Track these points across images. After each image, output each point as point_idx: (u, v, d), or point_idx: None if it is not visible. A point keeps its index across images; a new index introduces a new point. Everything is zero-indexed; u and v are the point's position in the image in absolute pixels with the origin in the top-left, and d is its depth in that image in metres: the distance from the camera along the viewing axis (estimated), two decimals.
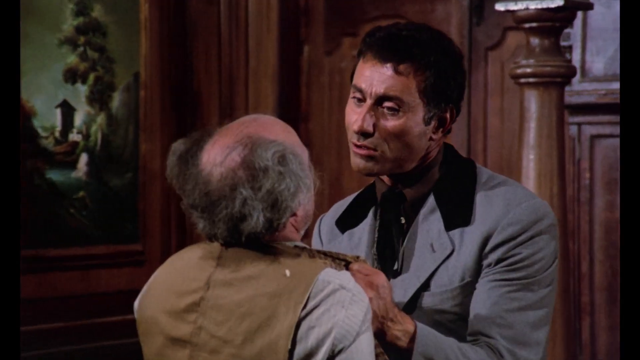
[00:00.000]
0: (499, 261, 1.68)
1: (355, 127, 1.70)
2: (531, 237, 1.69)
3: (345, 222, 1.81)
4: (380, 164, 1.71)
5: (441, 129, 1.73)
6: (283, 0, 4.12)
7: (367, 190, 1.81)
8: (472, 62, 3.99)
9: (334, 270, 1.48)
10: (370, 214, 1.78)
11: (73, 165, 3.95)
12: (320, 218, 1.85)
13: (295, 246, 1.52)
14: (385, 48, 1.69)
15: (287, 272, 1.46)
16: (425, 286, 1.70)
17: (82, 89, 3.97)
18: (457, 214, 1.71)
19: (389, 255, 1.75)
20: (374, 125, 1.70)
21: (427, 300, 1.70)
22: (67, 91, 3.92)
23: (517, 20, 2.71)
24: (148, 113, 4.11)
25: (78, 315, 3.86)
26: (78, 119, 3.98)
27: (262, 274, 1.47)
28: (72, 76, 3.94)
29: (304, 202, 1.50)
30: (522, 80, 2.73)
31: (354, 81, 1.72)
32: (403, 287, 1.70)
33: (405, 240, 1.74)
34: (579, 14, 3.36)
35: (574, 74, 2.75)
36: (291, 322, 1.42)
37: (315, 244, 1.83)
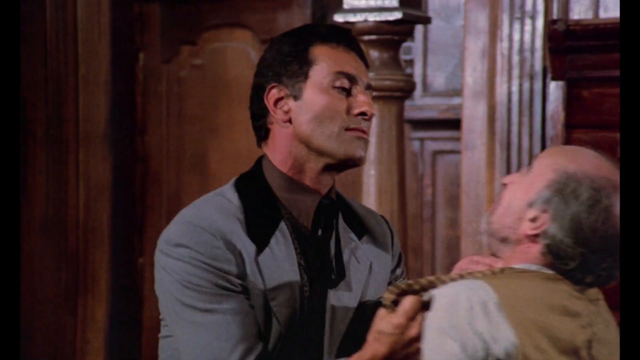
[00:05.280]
0: (402, 274, 1.85)
1: (369, 109, 1.70)
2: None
3: (259, 235, 1.71)
4: None
5: None
6: (115, 5, 4.01)
7: (263, 201, 1.74)
8: None
9: None
10: (283, 226, 1.72)
11: None
12: (203, 228, 1.68)
13: None
14: (350, 38, 1.74)
15: None
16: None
17: None
18: (355, 223, 1.81)
19: (318, 267, 1.73)
20: None
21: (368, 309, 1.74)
22: None
23: (356, 33, 2.74)
24: None
25: None
26: None
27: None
28: None
29: None
30: None
31: (338, 68, 1.71)
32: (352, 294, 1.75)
33: (333, 249, 1.76)
34: (420, 28, 3.44)
35: (413, 88, 2.81)
36: None
37: (226, 259, 1.68)
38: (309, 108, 1.70)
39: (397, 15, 2.65)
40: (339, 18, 2.71)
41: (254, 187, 1.75)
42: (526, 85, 3.37)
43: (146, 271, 4.19)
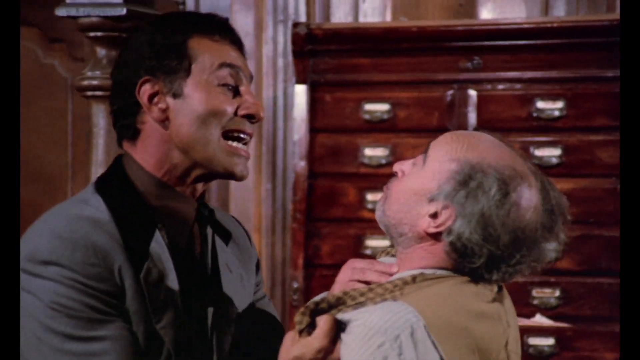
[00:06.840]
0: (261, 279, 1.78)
1: (259, 112, 1.57)
2: None
3: (135, 250, 1.52)
4: None
5: None
6: None
7: (134, 209, 1.56)
8: None
9: None
10: (159, 238, 1.55)
11: None
12: (76, 243, 1.49)
13: None
14: (230, 29, 1.61)
15: None
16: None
17: None
18: (220, 228, 1.67)
19: (197, 282, 1.60)
20: None
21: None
22: None
23: (82, 29, 2.66)
24: None
25: None
26: None
27: None
28: None
29: None
30: (89, 93, 2.68)
31: (221, 59, 1.56)
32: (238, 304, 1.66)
33: (210, 262, 1.63)
34: None
35: None
36: None
37: (103, 278, 1.50)
38: (191, 108, 1.55)
39: (121, 11, 2.57)
40: (61, 12, 2.62)
41: (120, 193, 1.56)
42: (290, 89, 3.36)
43: None
